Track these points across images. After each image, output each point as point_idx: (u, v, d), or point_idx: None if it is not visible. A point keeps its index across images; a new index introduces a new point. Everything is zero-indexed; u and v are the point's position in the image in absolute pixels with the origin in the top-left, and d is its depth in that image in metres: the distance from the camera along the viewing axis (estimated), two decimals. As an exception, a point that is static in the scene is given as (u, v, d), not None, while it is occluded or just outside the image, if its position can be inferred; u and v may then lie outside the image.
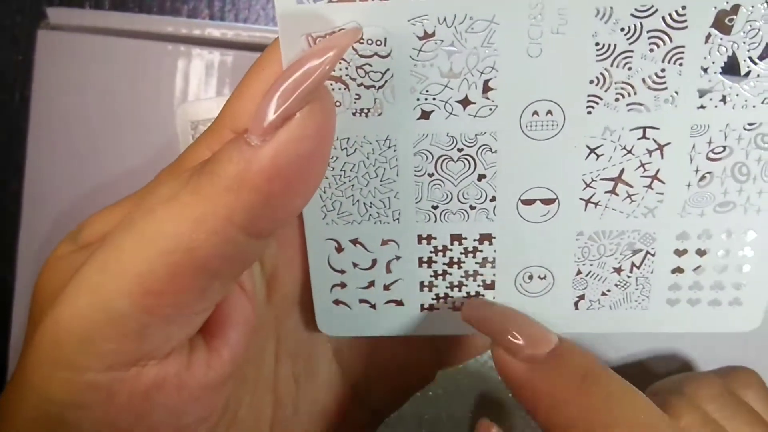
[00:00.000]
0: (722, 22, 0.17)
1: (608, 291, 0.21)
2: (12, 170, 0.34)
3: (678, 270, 0.21)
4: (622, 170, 0.19)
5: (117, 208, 0.19)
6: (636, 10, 0.17)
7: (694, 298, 0.21)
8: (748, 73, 0.18)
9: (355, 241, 0.21)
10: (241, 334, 0.19)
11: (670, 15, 0.17)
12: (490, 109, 0.19)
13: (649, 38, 0.18)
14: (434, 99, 0.19)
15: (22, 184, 0.32)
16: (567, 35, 0.18)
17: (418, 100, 0.19)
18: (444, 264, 0.21)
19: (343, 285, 0.22)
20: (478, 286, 0.21)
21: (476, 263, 0.21)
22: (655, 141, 0.19)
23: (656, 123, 0.19)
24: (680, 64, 0.18)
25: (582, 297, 0.21)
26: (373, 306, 0.22)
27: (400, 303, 0.22)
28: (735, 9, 0.17)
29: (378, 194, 0.20)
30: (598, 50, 0.18)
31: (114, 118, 0.31)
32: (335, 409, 0.24)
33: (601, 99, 0.18)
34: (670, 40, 0.18)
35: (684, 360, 0.30)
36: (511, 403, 0.31)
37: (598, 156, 0.19)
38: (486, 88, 0.18)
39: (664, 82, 0.18)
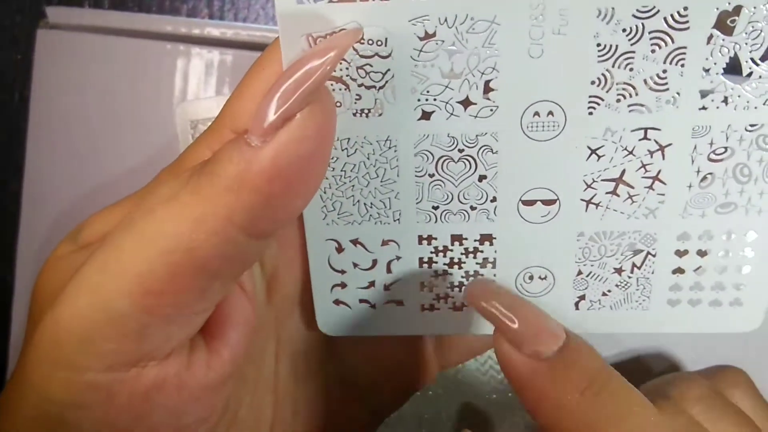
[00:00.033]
0: (724, 23, 0.17)
1: (609, 291, 0.21)
2: (12, 170, 0.34)
3: (679, 270, 0.21)
4: (623, 171, 0.19)
5: (117, 208, 0.19)
6: (637, 10, 0.17)
7: (694, 299, 0.21)
8: (749, 74, 0.18)
9: (355, 242, 0.21)
10: (242, 334, 0.19)
11: (671, 16, 0.17)
12: (491, 110, 0.19)
13: (650, 39, 0.18)
14: (435, 99, 0.19)
15: (22, 184, 0.32)
16: (568, 36, 0.18)
17: (418, 100, 0.19)
18: (444, 264, 0.21)
19: (343, 285, 0.22)
20: (479, 286, 0.21)
21: (477, 263, 0.21)
22: (656, 142, 0.19)
23: (658, 124, 0.19)
24: (682, 65, 0.18)
25: (582, 297, 0.21)
26: (374, 306, 0.22)
27: (400, 303, 0.22)
28: (737, 10, 0.17)
29: (378, 195, 0.20)
30: (599, 51, 0.18)
31: (114, 118, 0.31)
32: (335, 409, 0.24)
33: (603, 100, 0.18)
34: (672, 41, 0.18)
35: (681, 360, 0.30)
36: (510, 403, 0.31)
37: (599, 157, 0.19)
38: (487, 89, 0.18)
39: (666, 83, 0.18)
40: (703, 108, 0.18)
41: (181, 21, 0.31)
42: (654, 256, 0.21)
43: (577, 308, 0.21)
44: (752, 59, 0.18)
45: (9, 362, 0.34)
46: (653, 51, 0.18)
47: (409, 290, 0.22)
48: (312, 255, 0.21)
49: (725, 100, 0.18)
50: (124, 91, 0.31)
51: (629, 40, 0.18)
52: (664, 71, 0.18)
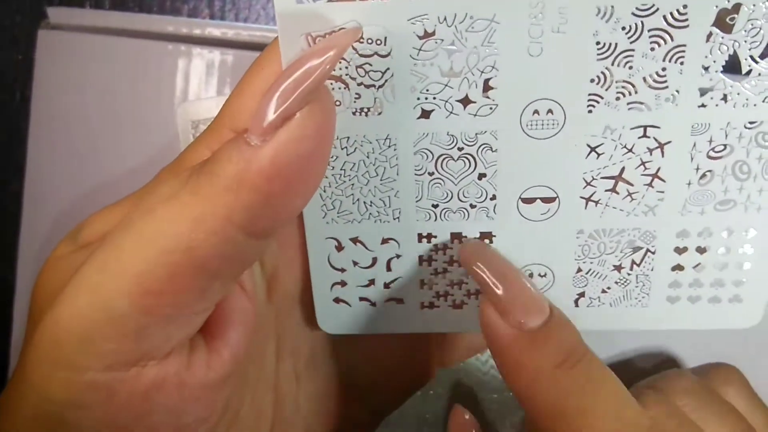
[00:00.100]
0: (723, 21, 0.17)
1: (608, 288, 0.21)
2: (12, 170, 0.34)
3: (678, 267, 0.21)
4: (623, 169, 0.19)
5: (117, 208, 0.19)
6: (637, 8, 0.17)
7: (694, 296, 0.21)
8: (749, 72, 0.18)
9: (355, 240, 0.21)
10: (242, 333, 0.19)
11: (671, 14, 0.17)
12: (491, 108, 0.19)
13: (650, 37, 0.18)
14: (434, 98, 0.19)
15: (22, 184, 0.32)
16: (568, 34, 0.18)
17: (418, 99, 0.19)
18: (444, 262, 0.21)
19: (343, 283, 0.22)
20: (479, 285, 0.21)
21: (477, 262, 0.21)
22: (655, 139, 0.19)
23: (657, 122, 0.19)
24: (681, 63, 0.18)
25: (582, 294, 0.21)
26: (374, 304, 0.22)
27: (400, 301, 0.22)
28: (736, 8, 0.17)
29: (378, 193, 0.20)
30: (598, 49, 0.18)
31: (114, 118, 0.31)
32: (336, 408, 0.24)
33: (602, 98, 0.18)
34: (671, 39, 0.18)
35: (680, 358, 0.30)
36: (511, 403, 0.31)
37: (598, 155, 0.19)
38: (486, 87, 0.18)
39: (665, 81, 0.18)
40: (703, 105, 0.18)
41: (182, 21, 0.31)
42: (653, 253, 0.21)
43: (576, 305, 0.21)
44: (751, 57, 0.18)
45: (10, 362, 0.34)
46: (652, 49, 0.18)
47: (409, 288, 0.22)
48: (312, 253, 0.21)
49: (724, 98, 0.18)
50: (124, 91, 0.31)
51: (628, 38, 0.18)
52: (664, 69, 0.18)
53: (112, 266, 0.16)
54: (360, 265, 0.21)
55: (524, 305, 0.19)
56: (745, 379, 0.25)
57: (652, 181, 0.20)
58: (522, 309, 0.19)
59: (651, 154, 0.19)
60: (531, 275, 0.21)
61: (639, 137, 0.19)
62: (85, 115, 0.31)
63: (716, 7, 0.17)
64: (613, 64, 0.18)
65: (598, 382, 0.18)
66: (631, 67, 0.18)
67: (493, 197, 0.20)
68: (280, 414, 0.22)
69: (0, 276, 0.34)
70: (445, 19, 0.18)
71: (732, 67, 0.18)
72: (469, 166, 0.20)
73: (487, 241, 0.21)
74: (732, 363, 0.26)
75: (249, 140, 0.16)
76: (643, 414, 0.18)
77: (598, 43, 0.18)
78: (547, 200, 0.20)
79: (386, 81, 0.18)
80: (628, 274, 0.21)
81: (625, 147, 0.19)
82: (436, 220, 0.20)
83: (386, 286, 0.22)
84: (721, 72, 0.18)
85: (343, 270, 0.21)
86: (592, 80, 0.18)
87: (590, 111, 0.19)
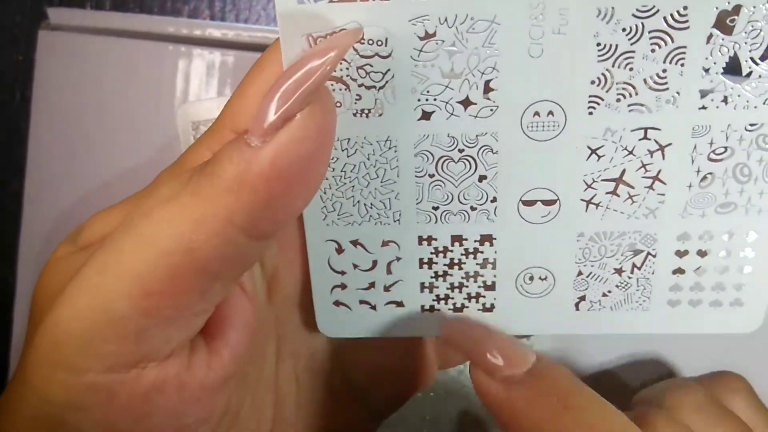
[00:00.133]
0: (724, 23, 0.17)
1: (609, 292, 0.21)
2: (12, 170, 0.34)
3: (679, 271, 0.21)
4: (623, 171, 0.19)
5: (117, 209, 0.19)
6: (637, 10, 0.17)
7: (695, 299, 0.21)
8: (749, 74, 0.18)
9: (355, 242, 0.21)
10: (242, 334, 0.19)
11: (671, 15, 0.17)
12: (491, 110, 0.19)
13: (650, 39, 0.18)
14: (435, 99, 0.19)
15: (22, 184, 0.32)
16: (568, 35, 0.18)
17: (419, 100, 0.19)
18: (444, 265, 0.21)
19: (343, 286, 0.22)
20: (479, 287, 0.21)
21: (477, 264, 0.21)
22: (656, 142, 0.19)
23: (657, 124, 0.19)
24: (682, 65, 0.18)
25: (583, 298, 0.21)
26: (374, 307, 0.22)
27: (400, 304, 0.22)
28: (737, 9, 0.17)
29: (378, 195, 0.20)
30: (599, 51, 0.18)
31: (114, 119, 0.31)
32: (336, 410, 0.24)
33: (603, 99, 0.18)
34: (672, 41, 0.18)
35: (679, 362, 0.30)
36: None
37: (599, 157, 0.19)
38: (487, 89, 0.18)
39: (666, 83, 0.18)
40: (703, 107, 0.18)
41: (183, 22, 0.31)
42: (654, 256, 0.20)
43: (577, 309, 0.21)
44: (752, 59, 0.18)
45: (10, 363, 0.34)
46: (653, 50, 0.18)
47: (409, 291, 0.22)
48: (312, 256, 0.21)
49: (725, 100, 0.18)
50: (125, 92, 0.31)
51: (629, 39, 0.18)
52: (664, 71, 0.18)
53: (112, 268, 0.16)
54: (360, 267, 0.21)
55: (509, 359, 0.19)
56: (750, 387, 0.25)
57: (653, 183, 0.19)
58: (507, 363, 0.19)
59: (652, 157, 0.19)
60: (531, 278, 0.21)
61: (639, 139, 0.19)
62: (85, 115, 0.31)
63: (716, 8, 0.17)
64: (613, 66, 0.18)
65: (600, 417, 0.18)
66: (631, 69, 0.18)
67: (494, 199, 0.20)
68: (280, 415, 0.22)
69: (0, 277, 0.34)
70: (446, 20, 0.18)
71: (732, 68, 0.18)
72: (470, 168, 0.20)
73: (487, 243, 0.21)
74: (732, 367, 0.26)
75: (249, 141, 0.16)
76: None
77: (598, 44, 0.18)
78: (547, 203, 0.20)
79: (387, 82, 0.18)
80: (629, 278, 0.21)
81: (625, 149, 0.19)
82: (436, 222, 0.20)
83: (386, 289, 0.22)
84: (722, 74, 0.18)
85: (343, 273, 0.21)
86: (593, 82, 0.18)
87: (591, 113, 0.19)
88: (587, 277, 0.21)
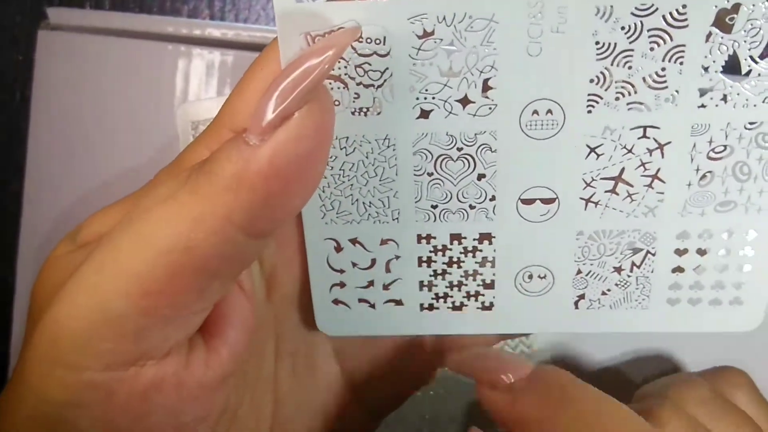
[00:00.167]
0: (723, 21, 0.17)
1: (608, 290, 0.21)
2: (12, 170, 0.34)
3: (678, 269, 0.21)
4: (623, 169, 0.19)
5: (115, 208, 0.19)
6: (636, 8, 0.17)
7: (694, 298, 0.21)
8: (748, 72, 0.18)
9: (354, 241, 0.21)
10: (240, 333, 0.19)
11: (670, 14, 0.17)
12: (490, 108, 0.19)
13: (649, 37, 0.18)
14: (433, 98, 0.19)
15: (22, 184, 0.32)
16: (567, 34, 0.18)
17: (417, 99, 0.19)
18: (443, 263, 0.21)
19: (342, 284, 0.22)
20: (478, 285, 0.21)
21: (476, 263, 0.21)
22: (655, 140, 0.19)
23: (657, 122, 0.19)
24: (681, 63, 0.18)
25: (582, 296, 0.21)
26: (373, 306, 0.22)
27: (399, 303, 0.22)
28: (736, 8, 0.17)
29: (377, 193, 0.20)
30: (598, 49, 0.18)
31: (114, 118, 0.31)
32: (335, 409, 0.24)
33: (602, 98, 0.18)
34: (671, 39, 0.18)
35: (679, 360, 0.30)
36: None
37: (598, 155, 0.19)
38: (485, 87, 0.18)
39: (665, 81, 0.18)
40: (702, 106, 0.18)
41: (182, 22, 0.31)
42: (653, 254, 0.20)
43: (576, 307, 0.21)
44: (751, 57, 0.18)
45: (10, 362, 0.34)
46: (652, 49, 0.18)
47: (408, 290, 0.22)
48: (311, 254, 0.21)
49: (724, 98, 0.18)
50: (124, 91, 0.31)
51: (628, 38, 0.18)
52: (663, 69, 0.18)
53: (111, 266, 0.16)
54: (359, 266, 0.21)
55: (507, 368, 0.20)
56: (753, 382, 0.25)
57: (652, 182, 0.19)
58: (506, 370, 0.20)
59: (651, 155, 0.19)
60: (530, 277, 0.21)
61: (639, 138, 0.19)
62: (84, 115, 0.31)
63: (716, 7, 0.17)
64: (612, 64, 0.18)
65: (604, 409, 0.19)
66: (630, 67, 0.18)
67: (493, 198, 0.20)
68: (279, 414, 0.22)
69: (0, 276, 0.34)
70: (444, 18, 0.18)
71: (732, 67, 0.18)
72: (469, 166, 0.20)
73: (486, 242, 0.21)
74: (734, 363, 0.26)
75: (248, 140, 0.16)
76: None
77: (597, 42, 0.18)
78: (546, 201, 0.20)
79: (385, 81, 0.18)
80: (628, 276, 0.21)
81: (624, 147, 0.19)
82: (435, 220, 0.20)
83: (385, 287, 0.22)
84: (721, 72, 0.18)
85: (342, 271, 0.21)
86: (592, 80, 0.18)
87: (590, 111, 0.19)
88: (586, 275, 0.21)
